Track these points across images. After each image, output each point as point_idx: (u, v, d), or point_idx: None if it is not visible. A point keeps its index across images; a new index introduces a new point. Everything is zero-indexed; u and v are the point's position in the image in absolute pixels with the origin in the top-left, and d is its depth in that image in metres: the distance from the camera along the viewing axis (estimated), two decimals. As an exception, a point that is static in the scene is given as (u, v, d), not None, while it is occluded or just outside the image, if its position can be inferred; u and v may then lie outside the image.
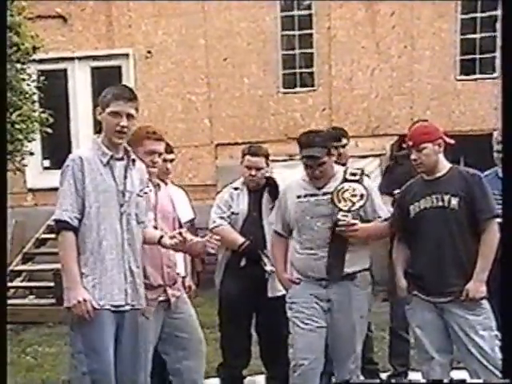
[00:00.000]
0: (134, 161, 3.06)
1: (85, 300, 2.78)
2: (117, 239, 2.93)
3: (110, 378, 2.84)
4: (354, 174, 3.49)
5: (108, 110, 2.94)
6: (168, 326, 3.46)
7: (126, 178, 3.00)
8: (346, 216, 3.35)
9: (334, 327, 3.47)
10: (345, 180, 3.46)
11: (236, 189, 4.07)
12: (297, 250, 3.53)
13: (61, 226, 2.85)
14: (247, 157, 4.03)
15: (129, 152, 3.05)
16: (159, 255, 3.34)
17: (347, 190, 3.42)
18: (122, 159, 3.01)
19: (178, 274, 3.55)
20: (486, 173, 3.86)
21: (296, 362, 3.51)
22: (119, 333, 2.92)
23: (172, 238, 3.09)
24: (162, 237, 3.14)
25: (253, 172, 3.98)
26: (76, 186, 2.85)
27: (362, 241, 3.49)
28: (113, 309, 2.90)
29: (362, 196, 3.41)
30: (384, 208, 3.55)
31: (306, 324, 3.46)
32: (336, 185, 3.45)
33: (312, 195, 3.49)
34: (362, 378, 4.26)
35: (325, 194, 3.47)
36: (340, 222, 3.35)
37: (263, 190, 4.06)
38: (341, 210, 3.36)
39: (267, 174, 4.09)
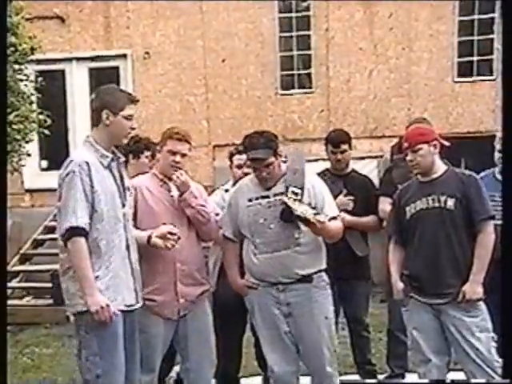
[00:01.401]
0: (119, 158, 3.07)
1: (107, 305, 2.79)
2: (121, 240, 2.95)
3: (122, 380, 2.88)
4: (295, 194, 3.37)
5: (123, 113, 2.94)
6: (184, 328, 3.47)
7: (122, 178, 3.03)
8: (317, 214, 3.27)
9: (297, 331, 3.41)
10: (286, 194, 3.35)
11: (227, 191, 4.08)
12: (251, 255, 3.45)
13: (76, 233, 2.78)
14: (236, 156, 4.06)
15: (114, 151, 3.05)
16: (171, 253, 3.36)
17: (290, 198, 3.32)
18: (113, 160, 3.01)
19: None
20: (482, 174, 3.88)
21: (270, 368, 3.50)
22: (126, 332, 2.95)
23: (162, 237, 3.15)
24: (150, 237, 3.20)
25: (245, 170, 3.98)
26: (85, 191, 2.82)
27: (315, 240, 3.41)
28: (125, 309, 2.92)
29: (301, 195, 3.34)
30: (334, 206, 3.50)
31: (270, 330, 3.44)
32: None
33: (263, 197, 3.44)
34: (358, 378, 4.29)
35: (275, 194, 3.41)
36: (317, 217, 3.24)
37: None
38: (301, 217, 3.25)
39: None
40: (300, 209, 3.26)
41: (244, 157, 4.02)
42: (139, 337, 3.11)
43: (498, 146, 4.00)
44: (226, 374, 4.16)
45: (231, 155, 4.12)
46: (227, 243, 3.62)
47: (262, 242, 3.41)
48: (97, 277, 2.82)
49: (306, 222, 3.25)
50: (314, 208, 3.33)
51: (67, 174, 2.82)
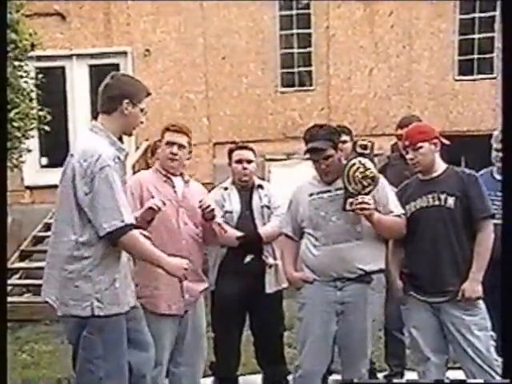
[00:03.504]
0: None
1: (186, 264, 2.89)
2: None
3: (124, 383, 2.82)
4: (364, 147, 3.36)
5: (140, 106, 2.90)
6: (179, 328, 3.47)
7: (125, 173, 2.96)
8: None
9: (346, 330, 3.39)
10: (355, 154, 3.34)
11: (226, 189, 4.10)
12: (311, 248, 3.43)
13: (129, 229, 2.70)
14: (236, 152, 4.08)
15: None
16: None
17: (358, 168, 3.29)
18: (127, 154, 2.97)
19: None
20: (480, 172, 3.87)
21: (300, 363, 3.46)
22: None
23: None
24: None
25: (245, 164, 4.01)
26: (122, 186, 2.75)
27: (377, 238, 3.38)
28: (129, 310, 2.86)
29: (372, 179, 3.30)
30: (399, 205, 3.43)
31: (317, 329, 3.39)
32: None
33: (325, 192, 3.43)
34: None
35: (337, 189, 3.39)
36: (350, 200, 3.25)
37: (252, 189, 4.08)
38: (350, 193, 3.27)
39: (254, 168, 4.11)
40: (352, 188, 3.26)
41: (244, 152, 4.03)
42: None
43: (494, 145, 3.98)
44: (224, 372, 4.17)
45: (231, 151, 4.13)
46: (286, 241, 3.62)
47: (322, 234, 3.38)
48: (115, 279, 2.75)
49: (356, 207, 3.23)
50: (369, 191, 3.28)
51: (101, 168, 2.66)
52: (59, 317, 2.83)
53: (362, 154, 3.33)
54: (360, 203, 3.24)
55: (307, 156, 3.43)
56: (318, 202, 3.43)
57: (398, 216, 3.38)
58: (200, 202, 3.40)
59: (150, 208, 3.19)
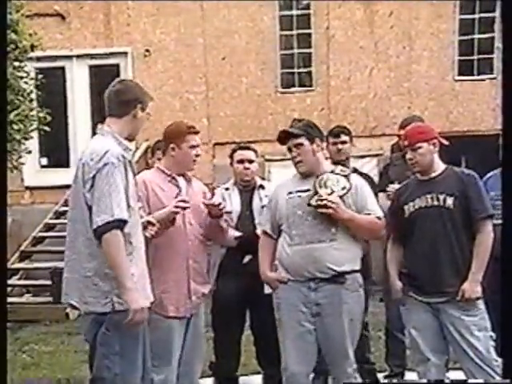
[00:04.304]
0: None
1: (142, 308, 2.70)
2: (142, 236, 2.92)
3: (139, 381, 2.83)
4: (343, 170, 3.46)
5: (147, 110, 2.99)
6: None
7: (134, 174, 2.98)
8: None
9: (323, 331, 3.38)
10: (331, 172, 3.43)
11: (227, 189, 4.12)
12: (285, 247, 3.44)
13: (117, 225, 2.67)
14: (238, 152, 4.10)
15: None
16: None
17: (330, 179, 3.38)
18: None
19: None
20: (489, 174, 3.86)
21: (285, 365, 3.47)
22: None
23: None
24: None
25: (246, 164, 4.02)
26: (123, 185, 2.74)
27: (353, 240, 3.39)
28: (149, 306, 2.86)
29: (343, 188, 3.36)
30: (378, 208, 3.47)
31: (294, 328, 3.40)
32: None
33: (304, 191, 3.43)
34: (359, 378, 4.29)
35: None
36: (316, 197, 3.30)
37: (253, 190, 4.10)
38: (319, 195, 3.31)
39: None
40: (323, 191, 3.30)
41: (245, 152, 4.04)
42: (155, 336, 3.09)
43: None
44: (224, 373, 4.17)
45: (233, 152, 4.14)
46: (264, 238, 3.62)
47: (297, 233, 3.38)
48: (132, 275, 2.71)
49: (321, 203, 3.27)
50: (339, 195, 3.33)
51: (105, 165, 2.70)
52: (79, 315, 2.87)
53: (337, 174, 3.42)
54: (323, 200, 3.26)
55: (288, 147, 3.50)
56: (295, 200, 3.43)
57: (378, 218, 3.39)
58: (208, 199, 3.43)
59: (176, 207, 3.21)
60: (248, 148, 4.13)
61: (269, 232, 3.57)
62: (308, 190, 3.41)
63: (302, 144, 3.42)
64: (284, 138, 3.48)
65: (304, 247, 3.35)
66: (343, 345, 3.36)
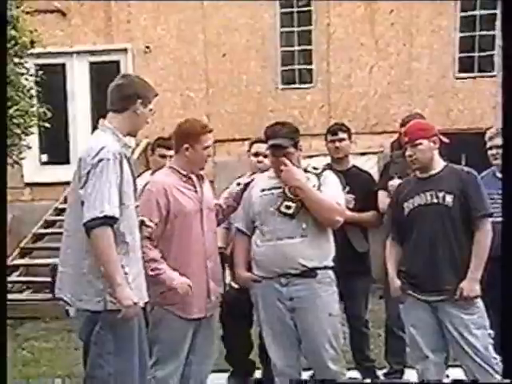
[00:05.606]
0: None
1: (135, 303, 2.69)
2: (138, 235, 2.91)
3: (135, 380, 2.82)
4: (315, 168, 3.50)
5: (150, 106, 2.96)
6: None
7: (133, 171, 2.95)
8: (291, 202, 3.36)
9: (301, 326, 3.39)
10: (304, 171, 3.45)
11: (238, 184, 4.09)
12: (258, 243, 3.45)
13: (106, 222, 2.64)
14: (255, 145, 4.08)
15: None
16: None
17: None
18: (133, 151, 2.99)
19: None
20: (483, 174, 3.86)
21: (272, 362, 3.49)
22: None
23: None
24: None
25: (260, 158, 4.02)
26: (116, 181, 2.72)
27: (323, 236, 3.41)
28: (143, 306, 2.87)
29: (314, 186, 3.39)
30: (342, 197, 3.53)
31: (274, 324, 3.42)
32: None
33: (277, 188, 3.45)
34: (359, 375, 4.30)
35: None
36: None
37: None
38: (286, 196, 3.36)
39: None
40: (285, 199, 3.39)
41: (262, 145, 4.04)
42: (166, 335, 3.14)
43: (489, 143, 3.97)
44: (238, 367, 4.25)
45: (251, 144, 4.14)
46: (238, 235, 3.62)
47: (268, 230, 3.41)
48: (126, 274, 2.71)
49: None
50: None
51: (100, 161, 2.69)
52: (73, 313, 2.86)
53: (308, 171, 3.48)
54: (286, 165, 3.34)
55: (268, 152, 3.53)
56: (268, 197, 3.46)
57: (338, 204, 3.40)
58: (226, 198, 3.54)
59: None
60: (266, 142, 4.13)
61: (243, 229, 3.59)
62: (280, 188, 3.44)
63: (291, 153, 3.45)
64: (274, 149, 3.47)
65: (275, 243, 3.38)
66: (321, 340, 3.36)
